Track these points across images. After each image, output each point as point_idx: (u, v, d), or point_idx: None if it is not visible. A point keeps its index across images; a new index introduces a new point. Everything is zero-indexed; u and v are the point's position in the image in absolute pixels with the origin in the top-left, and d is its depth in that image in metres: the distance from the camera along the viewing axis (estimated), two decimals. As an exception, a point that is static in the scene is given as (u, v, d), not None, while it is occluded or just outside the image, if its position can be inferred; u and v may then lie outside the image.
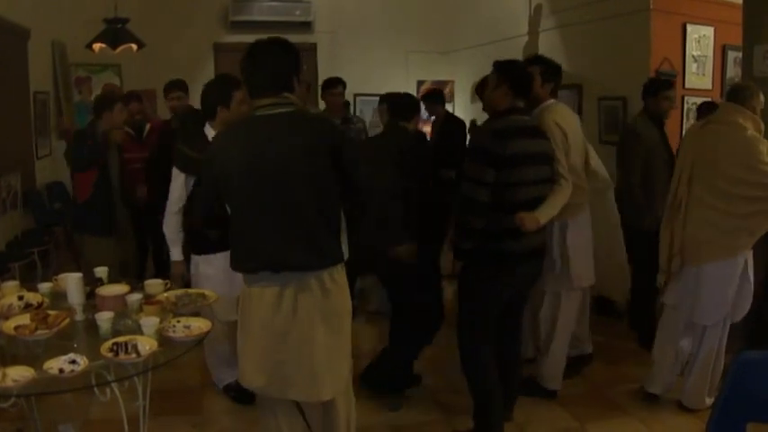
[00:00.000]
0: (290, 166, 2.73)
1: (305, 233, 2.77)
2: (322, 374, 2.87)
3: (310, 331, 2.83)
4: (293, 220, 2.76)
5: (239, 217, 2.85)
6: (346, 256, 2.95)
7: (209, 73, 9.71)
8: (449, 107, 10.23)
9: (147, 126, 6.08)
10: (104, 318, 2.85)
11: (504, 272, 3.61)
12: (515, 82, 3.60)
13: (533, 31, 8.33)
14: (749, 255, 3.98)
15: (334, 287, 2.87)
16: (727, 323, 4.06)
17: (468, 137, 6.93)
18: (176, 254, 4.04)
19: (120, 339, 2.67)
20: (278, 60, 2.84)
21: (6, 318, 2.90)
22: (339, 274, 2.90)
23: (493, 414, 3.66)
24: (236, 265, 2.93)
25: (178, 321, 2.92)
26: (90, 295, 3.14)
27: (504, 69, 3.66)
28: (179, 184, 3.90)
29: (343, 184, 2.86)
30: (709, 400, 4.07)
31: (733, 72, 6.75)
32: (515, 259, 3.59)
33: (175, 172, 3.92)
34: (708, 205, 3.89)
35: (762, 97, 4.02)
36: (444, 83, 10.25)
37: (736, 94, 4.04)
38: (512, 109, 3.61)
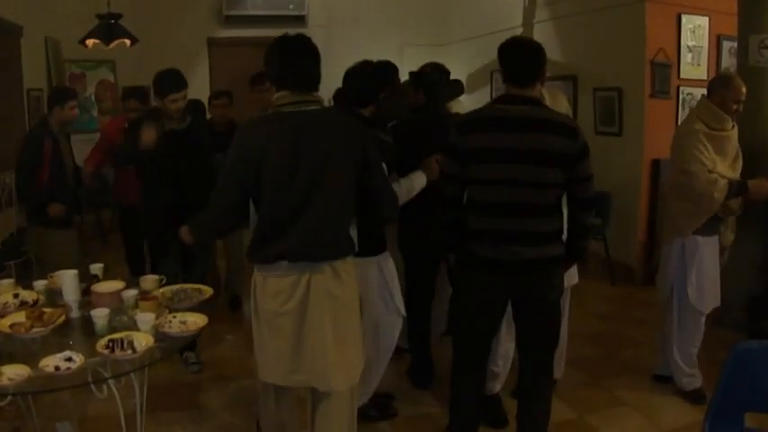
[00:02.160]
0: (326, 161, 2.80)
1: (329, 225, 2.86)
2: (336, 363, 2.91)
3: (324, 318, 2.87)
4: (321, 212, 2.82)
5: (265, 208, 2.86)
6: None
7: (203, 68, 9.73)
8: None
9: None
10: (100, 314, 2.83)
11: (478, 281, 3.18)
12: (502, 63, 3.13)
13: (528, 23, 8.30)
14: (690, 241, 4.09)
15: (346, 276, 2.94)
16: (684, 307, 4.15)
17: None
18: None
19: (116, 336, 2.66)
20: (316, 61, 2.97)
21: (2, 316, 2.89)
22: (350, 264, 2.98)
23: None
24: (253, 254, 2.92)
25: (174, 317, 2.92)
26: (85, 292, 3.13)
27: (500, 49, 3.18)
28: None
29: (363, 186, 2.95)
30: (688, 384, 4.22)
31: (728, 62, 6.73)
32: (491, 267, 3.11)
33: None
34: (669, 193, 4.20)
35: (736, 85, 4.00)
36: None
37: (707, 87, 4.18)
38: (501, 97, 3.16)
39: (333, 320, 2.89)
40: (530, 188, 3.01)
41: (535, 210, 3.05)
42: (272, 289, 2.88)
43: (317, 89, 2.92)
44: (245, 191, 2.87)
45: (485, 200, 3.10)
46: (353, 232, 3.08)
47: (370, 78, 3.76)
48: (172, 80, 4.33)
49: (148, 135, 4.27)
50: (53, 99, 5.08)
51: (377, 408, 4.03)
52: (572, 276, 3.93)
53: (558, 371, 4.16)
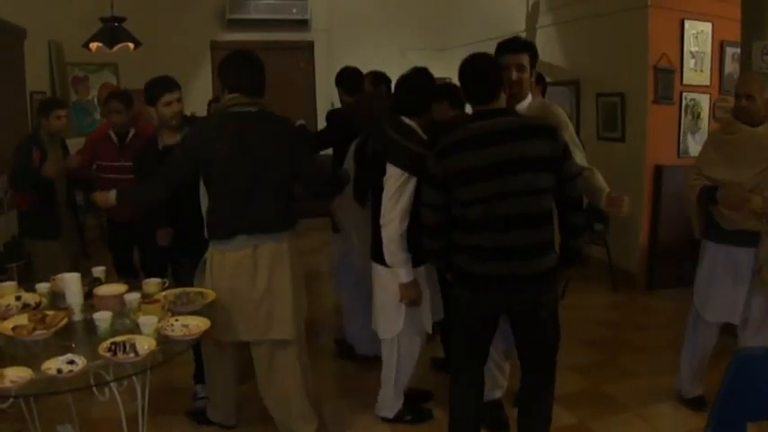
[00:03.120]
0: (264, 151, 3.40)
1: (274, 203, 3.45)
2: (287, 317, 3.52)
3: (279, 278, 3.49)
4: (268, 191, 3.42)
5: (220, 193, 3.45)
6: None
7: (206, 71, 9.75)
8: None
9: (132, 131, 5.26)
10: (102, 317, 2.83)
11: (478, 295, 3.16)
12: (463, 84, 3.19)
13: (531, 28, 8.31)
14: (702, 244, 4.05)
15: (291, 245, 3.56)
16: (694, 311, 4.11)
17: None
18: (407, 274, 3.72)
19: (119, 339, 2.65)
20: (262, 70, 3.50)
21: (4, 318, 2.89)
22: (292, 234, 3.60)
23: None
24: (214, 233, 3.48)
25: (176, 320, 2.91)
26: (88, 295, 3.13)
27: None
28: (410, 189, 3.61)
29: (295, 169, 3.52)
30: (689, 391, 4.21)
31: (731, 68, 6.74)
32: (489, 283, 3.09)
33: (403, 174, 3.60)
34: None
35: (743, 84, 3.93)
36: (441, 80, 10.24)
37: None
38: (471, 116, 3.19)
39: (288, 280, 3.51)
40: (521, 197, 2.99)
41: (527, 220, 3.01)
42: (230, 261, 3.45)
43: (262, 96, 3.50)
44: (184, 180, 3.51)
45: (475, 217, 3.05)
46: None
47: (425, 87, 3.80)
48: (163, 81, 3.99)
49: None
50: (39, 110, 5.13)
51: (412, 412, 4.13)
52: None
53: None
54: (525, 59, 3.49)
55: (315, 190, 3.75)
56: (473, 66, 3.15)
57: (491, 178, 2.98)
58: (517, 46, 3.56)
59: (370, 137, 3.94)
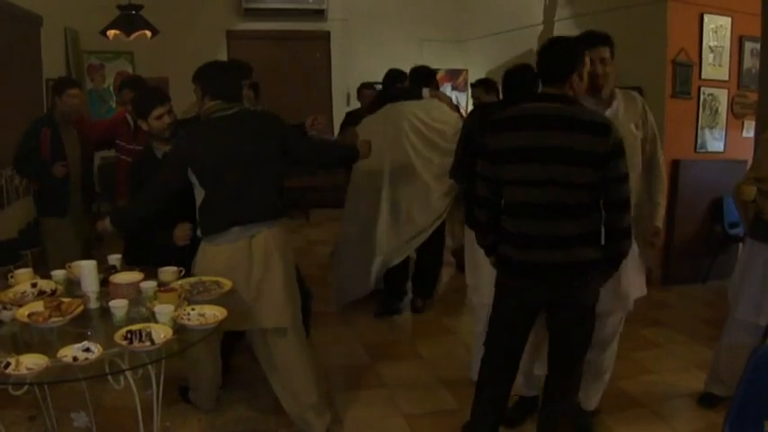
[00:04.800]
0: (255, 148, 3.52)
1: (265, 194, 3.54)
2: (284, 304, 3.58)
3: (274, 266, 3.55)
4: (257, 186, 3.50)
5: (212, 191, 3.47)
6: None
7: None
8: (461, 96, 10.18)
9: None
10: (118, 305, 2.84)
11: (513, 281, 3.18)
12: (538, 62, 3.14)
13: (548, 21, 8.26)
14: (749, 245, 3.97)
15: (283, 234, 3.65)
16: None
17: None
18: None
19: (134, 327, 2.66)
20: (240, 79, 3.80)
21: (20, 305, 2.89)
22: (284, 225, 3.70)
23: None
24: (207, 229, 3.51)
25: (192, 309, 2.91)
26: (104, 283, 3.13)
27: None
28: None
29: (295, 157, 3.72)
30: (707, 384, 4.18)
31: (750, 63, 6.69)
32: (523, 270, 3.11)
33: None
34: None
35: None
36: (458, 72, 10.21)
37: None
38: (535, 96, 3.15)
39: (281, 268, 3.57)
40: (560, 188, 2.95)
41: (567, 211, 2.98)
42: (224, 254, 3.47)
43: (240, 101, 3.70)
44: (176, 189, 3.53)
45: (514, 200, 3.08)
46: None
47: (531, 81, 3.89)
48: (153, 95, 3.99)
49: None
50: (53, 89, 5.15)
51: None
52: (640, 288, 3.96)
53: (595, 401, 3.95)
54: (607, 52, 3.48)
55: (327, 164, 4.31)
56: (548, 45, 3.12)
57: (530, 162, 2.98)
58: (597, 40, 3.50)
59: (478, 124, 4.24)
